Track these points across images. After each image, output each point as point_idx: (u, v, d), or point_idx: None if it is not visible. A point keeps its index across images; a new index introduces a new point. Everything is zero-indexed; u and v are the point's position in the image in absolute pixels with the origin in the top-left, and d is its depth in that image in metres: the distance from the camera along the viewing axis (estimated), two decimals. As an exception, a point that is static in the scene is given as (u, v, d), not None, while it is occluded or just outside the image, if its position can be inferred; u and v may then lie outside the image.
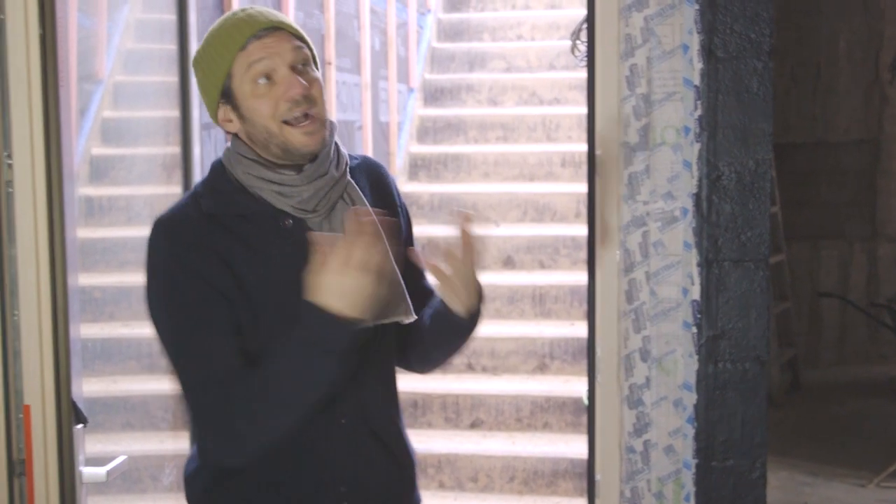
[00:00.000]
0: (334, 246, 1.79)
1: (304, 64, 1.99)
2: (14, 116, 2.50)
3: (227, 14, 2.04)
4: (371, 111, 7.31)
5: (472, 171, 8.02)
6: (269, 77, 1.96)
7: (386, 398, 2.14)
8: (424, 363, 2.27)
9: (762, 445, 2.50)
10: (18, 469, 2.55)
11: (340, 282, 1.79)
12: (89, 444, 2.64)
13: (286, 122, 1.95)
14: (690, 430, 2.49)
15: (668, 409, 2.51)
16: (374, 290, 1.81)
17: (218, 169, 2.06)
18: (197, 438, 2.01)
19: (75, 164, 2.67)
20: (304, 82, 1.96)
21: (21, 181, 2.50)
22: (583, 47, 3.56)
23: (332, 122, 2.06)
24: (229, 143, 2.07)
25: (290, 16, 5.74)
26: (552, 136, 8.25)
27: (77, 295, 2.63)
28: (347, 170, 2.06)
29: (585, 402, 2.68)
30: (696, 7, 2.38)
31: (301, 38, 2.02)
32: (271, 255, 1.97)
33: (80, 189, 3.38)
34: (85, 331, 2.78)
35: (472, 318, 2.15)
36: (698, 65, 2.40)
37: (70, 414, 2.55)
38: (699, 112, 2.41)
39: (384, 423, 2.12)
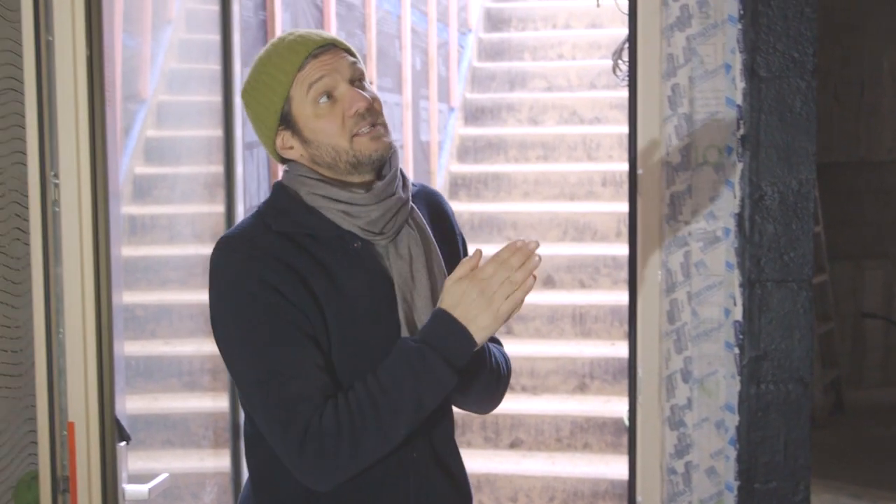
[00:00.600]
0: (490, 266, 1.80)
1: (360, 79, 1.98)
2: (61, 136, 2.53)
3: (273, 40, 2.02)
4: (412, 130, 7.33)
5: (512, 191, 8.02)
6: (329, 95, 1.94)
7: (449, 430, 2.13)
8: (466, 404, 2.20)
9: (805, 467, 2.47)
10: (62, 486, 2.56)
11: (483, 303, 1.79)
12: (131, 461, 2.65)
13: (354, 135, 1.94)
14: (732, 452, 2.47)
15: (710, 431, 2.49)
16: (492, 324, 1.80)
17: (280, 190, 2.03)
18: (285, 460, 1.86)
19: (119, 183, 2.69)
20: (366, 95, 1.95)
21: (67, 200, 2.52)
22: (624, 67, 3.56)
23: (394, 146, 2.04)
24: (286, 168, 2.04)
25: (332, 36, 5.77)
26: (593, 155, 8.23)
27: (121, 313, 2.65)
28: (410, 195, 2.05)
29: (626, 422, 2.66)
30: (739, 26, 2.37)
31: (353, 55, 2.00)
32: (342, 276, 1.94)
33: (124, 208, 3.41)
34: (127, 348, 2.80)
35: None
36: (741, 84, 2.39)
37: (113, 431, 2.56)
38: (742, 131, 2.40)
39: (450, 454, 2.12)
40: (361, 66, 2.00)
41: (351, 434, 1.79)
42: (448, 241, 2.11)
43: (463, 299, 1.80)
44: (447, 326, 1.80)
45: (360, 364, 1.85)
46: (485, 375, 2.05)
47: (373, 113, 1.95)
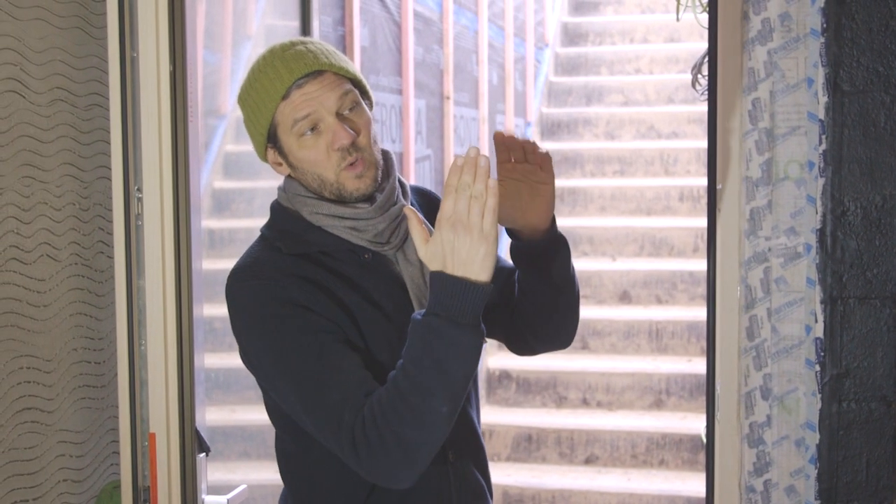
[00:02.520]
0: (446, 201, 1.69)
1: (351, 108, 1.93)
2: (145, 151, 2.57)
3: (272, 49, 1.96)
4: (489, 145, 7.34)
5: (588, 205, 7.99)
6: (314, 128, 1.90)
7: (477, 432, 2.13)
8: (542, 337, 2.16)
9: (888, 487, 2.43)
10: (143, 496, 2.60)
11: (464, 237, 1.69)
12: (209, 472, 2.68)
13: (340, 170, 1.91)
14: (813, 471, 2.43)
15: (790, 449, 2.46)
16: (490, 248, 1.69)
17: (280, 211, 2.01)
18: (356, 465, 1.80)
19: (199, 197, 2.73)
20: (350, 131, 1.90)
21: (150, 214, 2.56)
22: (704, 81, 3.53)
23: (388, 154, 2.01)
24: (282, 184, 2.04)
25: (409, 51, 5.80)
26: (670, 170, 8.18)
27: (201, 325, 2.68)
28: (410, 200, 2.04)
29: (704, 439, 2.64)
30: (822, 40, 2.35)
31: (348, 74, 1.95)
32: (365, 285, 1.94)
33: (203, 221, 3.44)
34: (206, 361, 2.83)
35: (551, 245, 2.03)
36: (823, 98, 2.36)
37: (193, 442, 2.59)
38: (824, 147, 2.37)
39: (481, 456, 2.13)
40: (354, 90, 1.94)
41: (389, 427, 1.73)
42: None
43: (444, 249, 1.70)
44: (443, 286, 1.70)
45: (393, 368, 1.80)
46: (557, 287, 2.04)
47: (357, 148, 1.91)
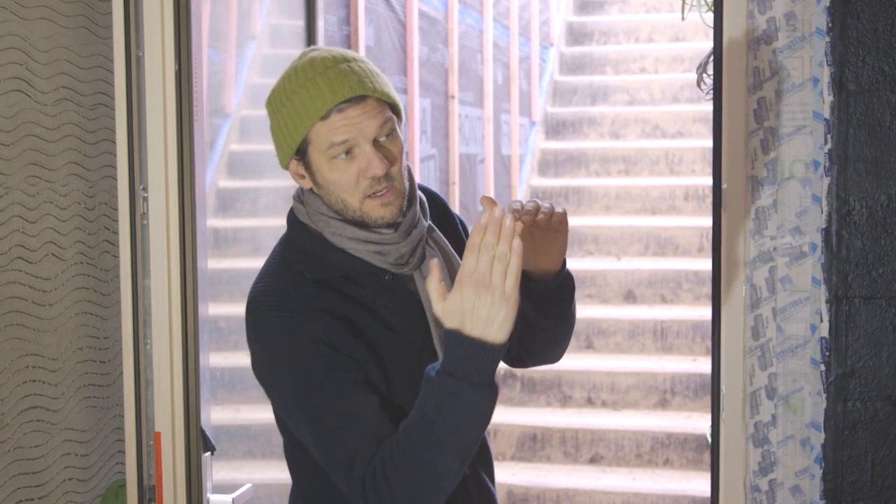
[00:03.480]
0: (468, 259, 1.66)
1: (388, 134, 1.88)
2: (150, 150, 2.57)
3: (312, 61, 1.89)
4: (493, 144, 7.34)
5: (593, 205, 7.99)
6: (348, 152, 1.85)
7: (485, 439, 2.12)
8: (537, 357, 2.21)
9: (894, 488, 2.43)
10: (149, 495, 2.60)
11: (486, 298, 1.64)
12: (214, 471, 2.68)
13: (367, 197, 1.87)
14: (818, 471, 2.43)
15: (795, 449, 2.45)
16: (510, 310, 1.65)
17: (300, 228, 1.97)
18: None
19: (205, 196, 2.74)
20: (385, 161, 1.85)
21: (155, 213, 2.57)
22: (709, 80, 3.52)
23: (411, 174, 1.98)
24: (299, 195, 1.99)
25: (414, 51, 5.80)
26: (675, 169, 8.18)
27: (206, 325, 2.68)
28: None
29: (709, 438, 2.64)
30: (827, 39, 2.34)
31: (389, 99, 1.90)
32: (383, 311, 1.91)
33: (208, 220, 3.45)
34: (211, 360, 2.83)
35: (561, 286, 2.03)
36: (829, 98, 2.36)
37: (199, 442, 2.60)
38: (829, 146, 2.36)
39: (490, 462, 2.14)
40: (392, 116, 1.89)
41: (399, 483, 1.72)
42: (456, 240, 2.08)
43: (464, 308, 1.66)
44: (459, 346, 1.66)
45: (414, 390, 1.77)
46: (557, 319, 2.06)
47: (389, 177, 1.87)
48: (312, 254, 1.93)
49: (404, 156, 1.94)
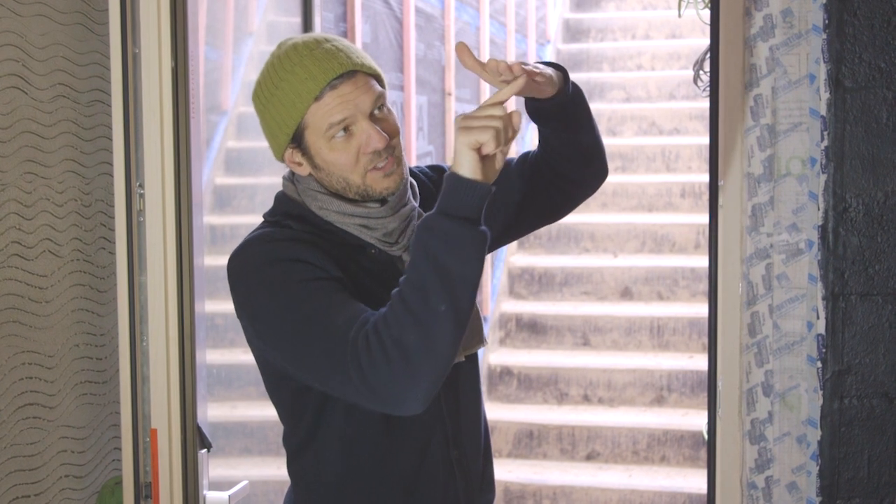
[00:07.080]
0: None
1: (381, 106, 1.89)
2: (146, 147, 2.57)
3: (295, 45, 1.89)
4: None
5: (589, 202, 7.92)
6: (346, 129, 1.86)
7: (480, 428, 2.13)
8: (580, 179, 2.27)
9: (890, 484, 2.43)
10: (145, 492, 2.60)
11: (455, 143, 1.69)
12: (210, 468, 2.68)
13: (368, 171, 1.88)
14: (814, 468, 2.43)
15: (792, 446, 2.46)
16: (468, 142, 1.69)
17: (287, 201, 1.98)
18: (354, 396, 1.74)
19: (201, 193, 2.74)
20: (384, 134, 1.86)
21: (152, 210, 2.57)
22: (706, 77, 3.53)
23: (404, 158, 1.98)
24: (290, 175, 1.99)
25: (411, 47, 5.80)
26: (672, 166, 8.18)
27: (203, 322, 2.68)
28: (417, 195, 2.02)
29: (705, 435, 2.64)
30: (824, 36, 2.34)
31: (377, 75, 1.91)
32: (365, 279, 1.90)
33: (205, 217, 3.44)
34: (207, 357, 2.83)
35: (573, 95, 2.08)
36: (825, 95, 2.36)
37: (195, 438, 2.60)
38: (826, 143, 2.36)
39: (487, 452, 2.14)
40: (382, 90, 1.90)
41: (389, 332, 1.67)
42: (426, 187, 2.09)
43: (455, 149, 1.71)
44: (446, 185, 1.69)
45: None
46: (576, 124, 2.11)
47: (389, 149, 1.88)
48: (300, 217, 1.94)
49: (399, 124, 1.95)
